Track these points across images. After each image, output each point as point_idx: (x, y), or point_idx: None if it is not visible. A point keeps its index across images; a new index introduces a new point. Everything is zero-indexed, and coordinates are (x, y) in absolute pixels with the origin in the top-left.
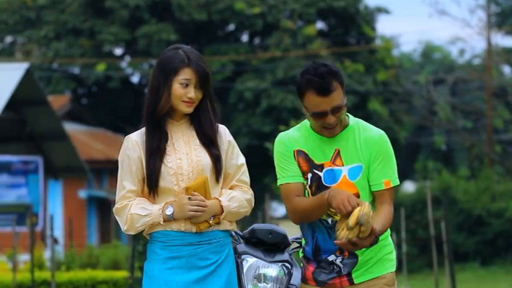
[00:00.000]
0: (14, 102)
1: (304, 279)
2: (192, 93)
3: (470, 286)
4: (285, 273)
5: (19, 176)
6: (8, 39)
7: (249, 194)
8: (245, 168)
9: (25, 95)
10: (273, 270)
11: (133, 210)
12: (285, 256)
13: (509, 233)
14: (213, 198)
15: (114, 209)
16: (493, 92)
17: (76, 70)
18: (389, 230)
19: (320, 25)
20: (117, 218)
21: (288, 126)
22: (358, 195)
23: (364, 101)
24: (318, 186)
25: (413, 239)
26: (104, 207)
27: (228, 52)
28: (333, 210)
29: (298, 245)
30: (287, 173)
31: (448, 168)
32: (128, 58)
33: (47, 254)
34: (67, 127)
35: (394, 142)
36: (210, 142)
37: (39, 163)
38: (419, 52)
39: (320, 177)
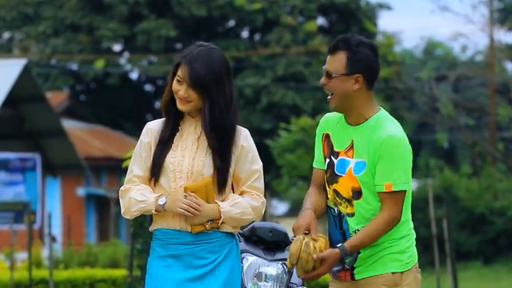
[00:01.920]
0: (12, 98)
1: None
2: (182, 91)
3: (473, 285)
4: (285, 272)
5: (17, 174)
6: (6, 35)
7: (259, 202)
8: (260, 174)
9: (23, 92)
10: (273, 269)
11: (133, 194)
12: (286, 255)
13: (511, 231)
14: (214, 202)
15: (119, 191)
16: (496, 88)
17: (74, 66)
18: (408, 229)
19: (321, 21)
20: (120, 200)
21: (288, 123)
22: (360, 190)
23: None
24: (331, 173)
25: (415, 238)
26: (102, 205)
27: (228, 48)
28: (337, 198)
29: None
30: (315, 158)
31: (450, 166)
32: (126, 54)
33: (45, 252)
34: (65, 124)
35: None
36: (213, 148)
37: (37, 160)
38: (421, 48)
39: (334, 164)
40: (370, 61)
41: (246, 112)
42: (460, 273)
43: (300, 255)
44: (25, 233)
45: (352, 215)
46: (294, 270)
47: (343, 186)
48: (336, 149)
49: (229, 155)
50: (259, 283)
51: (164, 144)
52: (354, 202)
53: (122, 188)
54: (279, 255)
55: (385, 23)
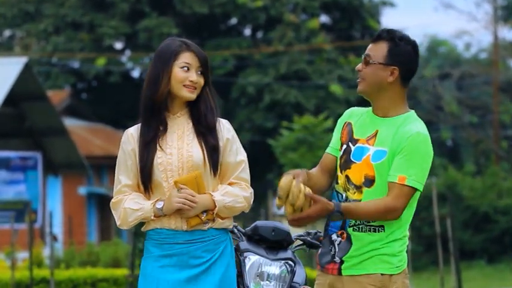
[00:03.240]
0: (13, 97)
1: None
2: (194, 76)
3: (477, 284)
4: (288, 271)
5: (18, 172)
6: (7, 33)
7: (247, 192)
8: (245, 165)
9: (24, 90)
10: (275, 268)
11: (127, 204)
12: (288, 254)
13: None
14: (205, 192)
15: (110, 204)
16: (500, 86)
17: (76, 64)
18: (404, 234)
19: (324, 19)
20: (113, 212)
21: (291, 121)
22: (373, 179)
23: None
24: (346, 159)
25: (419, 237)
26: (104, 204)
27: (230, 46)
28: (347, 185)
29: (302, 242)
30: (330, 144)
31: (454, 164)
32: (128, 52)
33: (46, 252)
34: (66, 122)
35: None
36: (208, 131)
37: (38, 159)
38: (425, 46)
39: (351, 151)
40: (409, 57)
41: (249, 110)
42: (464, 272)
43: (291, 189)
44: (26, 232)
45: (359, 201)
46: (297, 269)
47: (356, 173)
48: (355, 136)
49: (217, 136)
50: (262, 282)
51: (148, 147)
52: (364, 189)
53: (113, 200)
54: (282, 255)
55: (388, 20)
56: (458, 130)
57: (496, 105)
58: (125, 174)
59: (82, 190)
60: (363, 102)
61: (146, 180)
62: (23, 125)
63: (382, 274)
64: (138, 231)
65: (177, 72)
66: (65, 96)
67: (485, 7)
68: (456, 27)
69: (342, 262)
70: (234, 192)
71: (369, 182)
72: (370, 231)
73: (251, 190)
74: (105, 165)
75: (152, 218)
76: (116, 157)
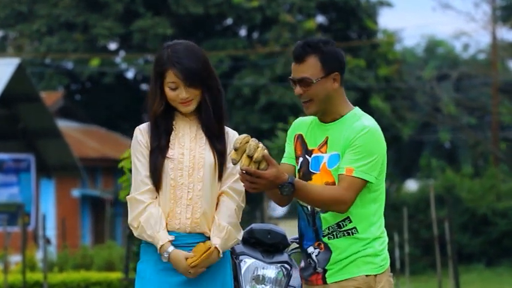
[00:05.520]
0: (6, 98)
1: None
2: (183, 93)
3: (475, 287)
4: (284, 274)
5: (11, 175)
6: (0, 33)
7: (235, 205)
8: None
9: (17, 91)
10: (271, 271)
11: (144, 222)
12: (284, 257)
13: None
14: (208, 245)
15: (129, 197)
16: (499, 87)
17: (69, 65)
18: (381, 231)
19: (320, 19)
20: (128, 206)
21: (287, 123)
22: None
23: (365, 97)
24: (304, 172)
25: (416, 240)
26: (98, 207)
27: (225, 47)
28: None
29: (298, 245)
30: (285, 154)
31: (452, 166)
32: (122, 53)
33: (39, 255)
34: (60, 124)
35: (397, 139)
36: (214, 136)
37: (32, 161)
38: (423, 47)
39: (309, 162)
40: (340, 56)
41: (244, 112)
42: (463, 275)
43: (249, 141)
44: (19, 235)
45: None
46: (293, 272)
47: (318, 183)
48: (309, 148)
49: (225, 142)
50: (258, 286)
51: (157, 149)
52: None
53: (134, 195)
54: (278, 258)
55: (386, 20)
56: (456, 132)
57: (495, 106)
58: (145, 166)
59: (76, 192)
60: (360, 103)
61: (156, 178)
62: (16, 127)
63: (366, 275)
64: (133, 234)
65: (167, 92)
66: (59, 98)
67: (484, 7)
68: (454, 27)
69: (325, 271)
70: (231, 229)
71: None
72: (344, 235)
73: (240, 204)
74: (99, 168)
75: (158, 251)
76: (110, 159)
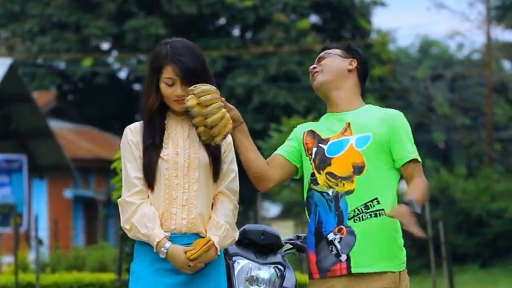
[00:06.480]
0: None
1: (310, 275)
2: (178, 91)
3: None
4: (277, 275)
5: (3, 175)
6: None
7: (232, 205)
8: (236, 176)
9: (9, 91)
10: (265, 272)
11: (136, 222)
12: (278, 258)
13: (509, 233)
14: (207, 239)
15: (119, 200)
16: (493, 88)
17: (62, 65)
18: (398, 229)
19: (314, 19)
20: (120, 209)
21: (280, 123)
22: (363, 165)
23: None
24: (321, 158)
25: (411, 240)
26: (90, 208)
27: (218, 47)
28: (333, 180)
29: (291, 246)
30: (283, 147)
31: (446, 166)
32: (115, 53)
33: (31, 256)
34: (52, 124)
35: None
36: None
37: (24, 162)
38: (417, 47)
39: (324, 150)
40: (363, 58)
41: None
42: (457, 276)
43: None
44: (11, 236)
45: (352, 192)
46: (287, 273)
47: (340, 165)
48: (324, 137)
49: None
50: (251, 287)
51: (151, 147)
52: (355, 178)
53: (125, 198)
54: (271, 259)
55: (380, 20)
56: (450, 132)
57: (489, 106)
58: (135, 167)
59: (68, 193)
60: None
61: (150, 177)
62: (8, 127)
63: (393, 272)
64: (126, 235)
65: (163, 88)
66: (51, 98)
67: (478, 7)
68: (449, 27)
69: (348, 259)
70: (228, 229)
71: (359, 169)
72: (372, 217)
73: (236, 204)
74: (92, 168)
75: (154, 250)
76: (103, 160)
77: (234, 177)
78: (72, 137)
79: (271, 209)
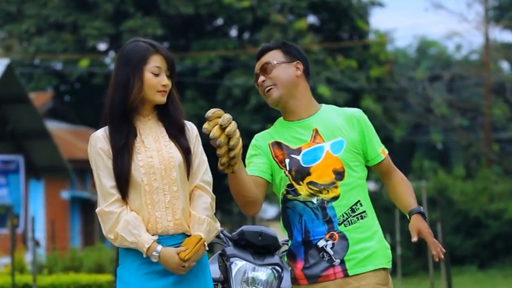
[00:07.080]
0: None
1: (294, 281)
2: (165, 80)
3: None
4: (275, 276)
5: None
6: None
7: (210, 198)
8: (208, 166)
9: (6, 92)
10: (262, 273)
11: (121, 231)
12: (276, 259)
13: (507, 235)
14: (198, 237)
15: (98, 211)
16: (491, 88)
17: (59, 66)
18: (379, 227)
19: (312, 19)
20: (100, 220)
21: None
22: (342, 170)
23: (357, 98)
24: (297, 169)
25: (408, 241)
26: (87, 209)
27: (216, 47)
28: (315, 188)
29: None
30: (258, 167)
31: (444, 167)
32: (112, 53)
33: (28, 257)
34: (49, 125)
35: (389, 141)
36: (179, 133)
37: (20, 162)
38: (415, 47)
39: (299, 160)
40: (301, 52)
41: (235, 113)
42: (455, 277)
43: (224, 115)
44: (8, 237)
45: (337, 197)
46: (284, 274)
47: (321, 173)
48: (294, 147)
49: (187, 138)
50: None
51: (124, 149)
52: (339, 183)
53: (103, 208)
54: (269, 260)
55: (378, 21)
56: (448, 133)
57: (487, 107)
58: (108, 176)
59: (65, 194)
60: (352, 104)
61: (123, 184)
62: (5, 128)
63: (384, 269)
64: None
65: (150, 78)
66: (48, 99)
67: (477, 8)
68: (447, 28)
69: (343, 263)
70: (211, 222)
71: (340, 174)
72: (358, 219)
73: (212, 195)
74: (89, 169)
75: (144, 255)
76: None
77: (206, 168)
78: (69, 138)
79: (269, 210)
